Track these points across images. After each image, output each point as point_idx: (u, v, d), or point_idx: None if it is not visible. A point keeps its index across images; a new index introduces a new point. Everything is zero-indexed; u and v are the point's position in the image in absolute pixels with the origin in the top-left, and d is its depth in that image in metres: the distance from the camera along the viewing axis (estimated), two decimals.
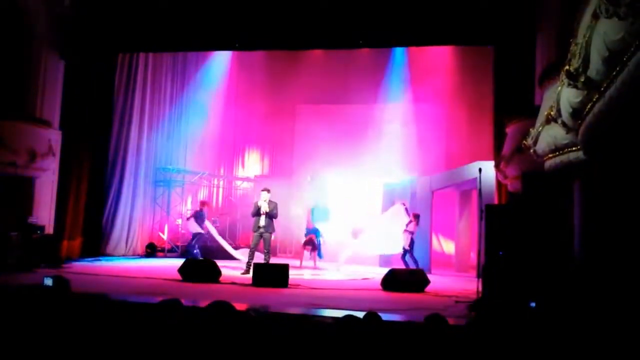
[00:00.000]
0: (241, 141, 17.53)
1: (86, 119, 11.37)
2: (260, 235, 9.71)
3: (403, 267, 10.89)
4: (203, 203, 13.60)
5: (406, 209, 12.16)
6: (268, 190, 9.82)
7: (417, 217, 11.69)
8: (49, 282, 5.36)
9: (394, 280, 8.42)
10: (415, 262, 11.17)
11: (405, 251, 11.46)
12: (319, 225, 13.18)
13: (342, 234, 13.88)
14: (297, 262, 12.27)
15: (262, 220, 9.64)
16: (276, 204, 9.80)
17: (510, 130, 8.48)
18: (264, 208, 9.61)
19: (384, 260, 12.69)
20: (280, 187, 14.67)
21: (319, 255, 12.57)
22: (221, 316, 3.31)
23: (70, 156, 11.06)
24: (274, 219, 9.75)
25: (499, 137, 9.32)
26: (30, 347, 3.18)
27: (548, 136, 5.20)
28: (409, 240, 11.45)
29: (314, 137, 15.42)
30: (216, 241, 13.15)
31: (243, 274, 9.42)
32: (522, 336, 3.85)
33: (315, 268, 11.95)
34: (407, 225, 11.62)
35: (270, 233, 9.83)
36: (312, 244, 12.39)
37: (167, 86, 14.51)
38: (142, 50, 12.61)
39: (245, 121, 16.91)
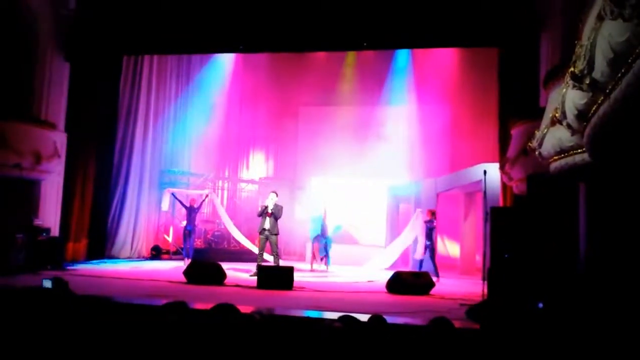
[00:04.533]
0: (246, 143, 17.53)
1: (91, 121, 11.42)
2: (266, 238, 9.91)
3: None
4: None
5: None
6: (277, 194, 10.19)
7: (432, 214, 11.00)
8: (47, 284, 5.32)
9: (399, 283, 8.41)
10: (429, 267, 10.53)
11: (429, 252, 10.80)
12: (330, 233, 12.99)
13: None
14: (302, 265, 12.20)
15: (267, 223, 9.89)
16: (282, 207, 10.11)
17: (515, 132, 8.45)
18: (270, 208, 9.87)
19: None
20: (285, 189, 14.71)
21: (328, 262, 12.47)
22: (226, 319, 3.31)
23: (76, 158, 11.08)
24: (277, 220, 9.98)
25: (504, 139, 9.30)
26: (31, 350, 3.19)
27: (553, 138, 5.18)
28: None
29: (318, 139, 15.43)
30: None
31: (252, 275, 9.48)
32: (528, 339, 3.84)
33: (326, 271, 11.89)
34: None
35: (276, 235, 9.98)
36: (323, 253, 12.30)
37: (171, 88, 14.51)
38: (147, 52, 12.63)
39: (249, 123, 16.92)
